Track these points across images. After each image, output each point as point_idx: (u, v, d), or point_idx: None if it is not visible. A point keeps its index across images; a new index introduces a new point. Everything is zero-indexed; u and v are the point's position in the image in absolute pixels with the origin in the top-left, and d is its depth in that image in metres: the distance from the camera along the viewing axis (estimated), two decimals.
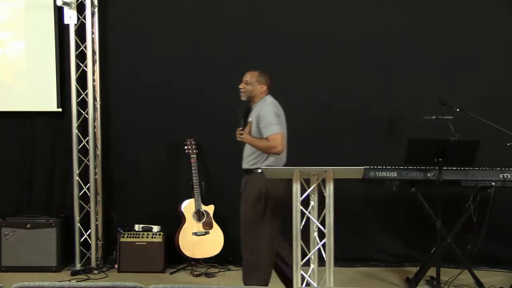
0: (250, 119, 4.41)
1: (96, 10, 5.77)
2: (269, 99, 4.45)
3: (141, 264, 5.57)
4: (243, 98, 4.49)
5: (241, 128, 4.47)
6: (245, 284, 4.38)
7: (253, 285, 4.26)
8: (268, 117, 4.31)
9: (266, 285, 4.42)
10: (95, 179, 5.84)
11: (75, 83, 5.79)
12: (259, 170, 4.35)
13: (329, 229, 4.24)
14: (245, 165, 4.46)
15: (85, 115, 5.82)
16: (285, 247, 4.45)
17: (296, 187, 4.27)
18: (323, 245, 4.31)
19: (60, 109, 5.88)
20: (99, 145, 5.84)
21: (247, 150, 4.45)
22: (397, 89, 5.74)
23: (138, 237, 5.63)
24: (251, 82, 4.46)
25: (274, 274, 4.53)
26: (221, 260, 5.72)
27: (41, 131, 6.00)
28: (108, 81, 5.92)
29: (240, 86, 4.49)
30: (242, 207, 4.43)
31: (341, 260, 5.24)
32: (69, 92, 5.81)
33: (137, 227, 5.69)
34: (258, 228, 4.36)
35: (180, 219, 5.66)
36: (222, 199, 5.79)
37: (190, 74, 5.83)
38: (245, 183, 4.44)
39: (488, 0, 5.76)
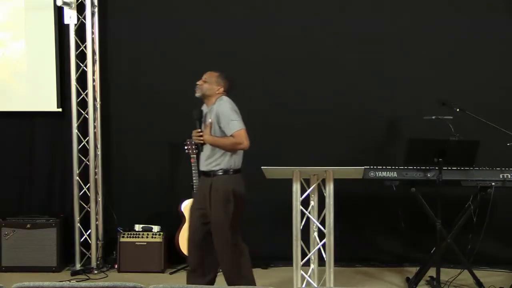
0: (210, 119, 4.38)
1: (96, 10, 5.77)
2: (225, 98, 4.46)
3: (141, 264, 5.57)
4: (197, 94, 4.49)
5: (199, 130, 4.44)
6: None
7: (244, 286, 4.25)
8: (228, 115, 4.32)
9: (255, 284, 4.45)
10: (95, 179, 5.84)
11: (75, 83, 5.79)
12: (220, 172, 4.34)
13: (329, 229, 4.25)
14: (206, 167, 4.41)
15: (85, 115, 5.82)
16: None
17: (296, 187, 4.28)
18: (323, 245, 4.32)
19: (60, 109, 5.88)
20: (99, 145, 5.84)
21: (207, 151, 4.41)
22: (397, 89, 5.74)
23: (138, 237, 5.63)
24: (210, 81, 4.47)
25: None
26: None
27: (41, 131, 6.00)
28: (108, 81, 5.92)
29: (198, 83, 4.49)
30: (212, 211, 4.33)
31: (341, 260, 5.23)
32: (69, 92, 5.81)
33: (137, 227, 5.69)
34: (231, 230, 4.34)
35: (180, 219, 5.66)
36: None
37: (190, 74, 5.77)
38: (209, 186, 4.36)
39: (488, 0, 5.76)
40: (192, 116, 4.52)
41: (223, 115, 4.32)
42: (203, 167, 4.46)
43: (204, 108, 4.53)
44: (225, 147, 4.33)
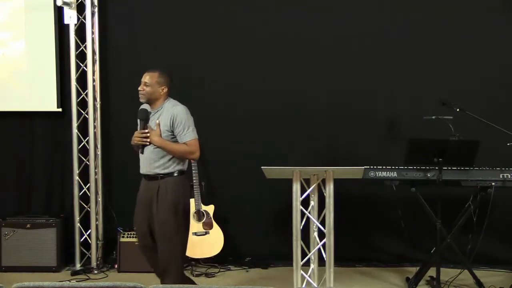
0: (157, 121, 4.21)
1: (96, 10, 5.77)
2: (177, 102, 4.30)
3: (141, 264, 5.51)
4: (142, 100, 4.27)
5: (146, 131, 4.21)
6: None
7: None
8: (186, 122, 4.18)
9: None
10: (95, 179, 5.84)
11: (75, 83, 5.79)
12: (166, 175, 4.22)
13: (329, 229, 4.26)
14: (154, 170, 4.23)
15: (85, 115, 5.82)
16: None
17: (296, 187, 4.28)
18: (323, 245, 4.33)
19: (60, 109, 5.88)
20: (99, 145, 5.84)
21: (155, 154, 4.22)
22: (397, 89, 5.74)
23: None
24: (151, 84, 4.23)
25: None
26: (221, 260, 5.71)
27: (41, 131, 6.00)
28: (108, 81, 5.92)
29: (140, 89, 4.25)
30: (160, 215, 4.21)
31: (341, 260, 5.23)
32: (69, 92, 5.81)
33: None
34: (179, 232, 4.27)
35: None
36: (222, 199, 5.80)
37: (190, 74, 5.82)
38: (156, 189, 4.23)
39: (489, 0, 5.76)
40: (138, 116, 4.30)
41: (181, 121, 4.17)
42: (146, 171, 4.28)
43: (148, 108, 4.34)
44: (174, 153, 4.21)
